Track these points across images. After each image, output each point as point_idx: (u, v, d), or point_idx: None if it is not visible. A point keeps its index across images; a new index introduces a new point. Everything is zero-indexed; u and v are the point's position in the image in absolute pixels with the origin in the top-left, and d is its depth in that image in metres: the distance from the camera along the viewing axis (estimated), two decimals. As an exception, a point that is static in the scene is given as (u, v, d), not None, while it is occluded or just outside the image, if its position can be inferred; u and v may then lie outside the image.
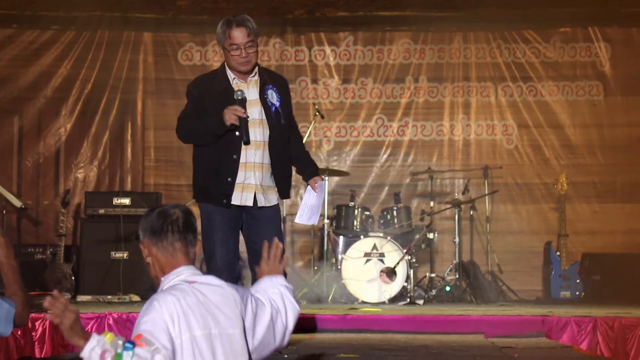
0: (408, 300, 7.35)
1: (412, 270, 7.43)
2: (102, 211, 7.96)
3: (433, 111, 9.18)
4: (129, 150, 9.14)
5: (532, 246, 8.68)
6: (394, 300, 7.41)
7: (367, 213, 8.13)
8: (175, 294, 2.62)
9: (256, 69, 4.64)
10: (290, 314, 2.93)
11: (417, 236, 7.82)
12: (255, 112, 4.54)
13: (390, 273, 7.47)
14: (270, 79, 4.69)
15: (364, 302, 7.33)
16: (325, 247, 7.85)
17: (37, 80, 9.07)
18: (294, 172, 4.83)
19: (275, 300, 2.92)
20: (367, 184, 9.10)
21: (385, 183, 9.09)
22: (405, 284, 7.45)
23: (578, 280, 7.89)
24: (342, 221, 7.93)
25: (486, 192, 8.43)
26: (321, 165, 8.84)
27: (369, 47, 9.25)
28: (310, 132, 8.41)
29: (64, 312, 2.50)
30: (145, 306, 2.61)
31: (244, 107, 4.44)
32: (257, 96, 4.57)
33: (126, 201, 7.96)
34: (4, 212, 8.15)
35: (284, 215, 8.08)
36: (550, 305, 7.34)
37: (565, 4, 8.78)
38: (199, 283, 2.71)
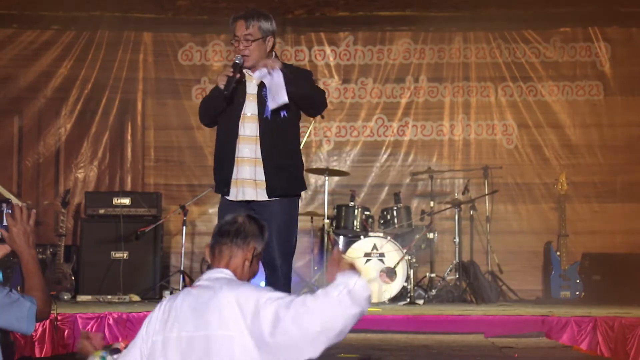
0: (408, 300, 7.35)
1: (412, 270, 7.43)
2: (102, 211, 7.96)
3: (433, 111, 9.17)
4: (129, 150, 9.14)
5: (532, 246, 8.68)
6: (394, 300, 7.42)
7: (367, 213, 8.13)
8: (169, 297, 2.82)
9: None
10: (322, 300, 2.62)
11: (417, 236, 7.82)
12: (250, 106, 4.54)
13: (390, 273, 7.47)
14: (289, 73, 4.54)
15: (364, 302, 7.32)
16: (325, 247, 7.85)
17: (37, 80, 9.07)
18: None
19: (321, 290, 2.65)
20: (367, 184, 9.09)
21: (385, 183, 9.09)
22: (405, 284, 7.46)
23: (578, 280, 7.89)
24: (342, 221, 7.93)
25: (486, 192, 8.43)
26: (321, 165, 8.85)
27: (369, 47, 9.25)
28: (310, 132, 8.41)
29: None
30: None
31: (237, 70, 4.44)
32: (255, 91, 4.56)
33: (126, 201, 7.96)
34: (4, 212, 8.14)
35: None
36: (550, 305, 7.33)
37: (565, 4, 8.78)
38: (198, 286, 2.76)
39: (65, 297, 7.55)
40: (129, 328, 5.49)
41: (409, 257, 7.48)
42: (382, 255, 7.56)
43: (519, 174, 9.02)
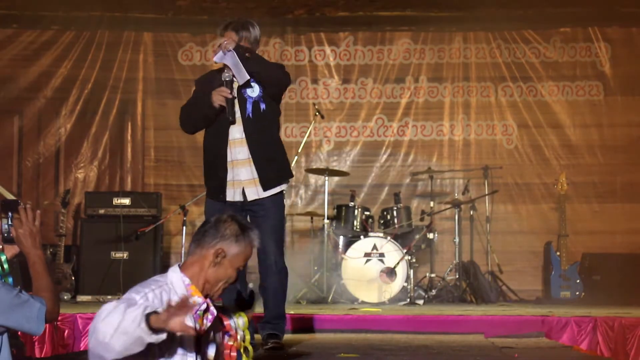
0: (408, 300, 7.35)
1: (412, 270, 7.43)
2: (102, 211, 7.96)
3: (433, 111, 9.18)
4: (129, 150, 9.14)
5: (532, 246, 8.68)
6: (394, 300, 7.42)
7: (367, 213, 8.13)
8: None
9: None
10: None
11: (417, 236, 7.82)
12: (235, 110, 4.64)
13: (390, 273, 7.47)
14: None
15: (364, 302, 7.33)
16: (325, 247, 7.85)
17: (37, 80, 9.07)
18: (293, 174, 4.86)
19: None
20: (367, 184, 9.09)
21: (385, 183, 9.09)
22: (405, 284, 7.45)
23: (578, 280, 7.89)
24: (342, 221, 7.93)
25: (486, 192, 8.43)
26: (321, 165, 8.85)
27: (369, 47, 9.25)
28: (310, 132, 8.41)
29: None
30: None
31: (230, 88, 4.56)
32: (236, 94, 4.65)
33: (126, 201, 7.96)
34: (4, 212, 8.14)
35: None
36: (550, 305, 7.34)
37: (565, 4, 8.79)
38: None
39: (65, 297, 7.55)
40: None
41: (409, 257, 7.48)
42: (382, 255, 7.56)
43: (519, 174, 9.02)
